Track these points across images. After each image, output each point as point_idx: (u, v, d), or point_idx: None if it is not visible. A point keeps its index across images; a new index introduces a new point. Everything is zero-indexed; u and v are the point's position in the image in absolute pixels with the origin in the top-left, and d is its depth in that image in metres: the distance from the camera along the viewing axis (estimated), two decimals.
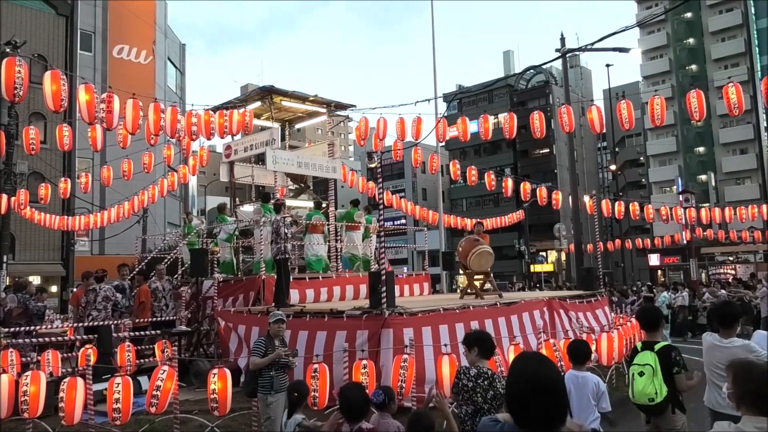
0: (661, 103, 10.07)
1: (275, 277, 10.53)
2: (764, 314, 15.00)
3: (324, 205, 14.16)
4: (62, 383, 6.83)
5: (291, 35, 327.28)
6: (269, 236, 11.32)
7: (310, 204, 15.09)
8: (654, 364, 4.55)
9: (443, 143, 21.61)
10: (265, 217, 11.75)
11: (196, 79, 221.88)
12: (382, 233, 9.35)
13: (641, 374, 4.55)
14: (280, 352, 6.02)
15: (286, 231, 10.32)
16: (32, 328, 10.91)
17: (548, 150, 51.48)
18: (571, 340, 9.22)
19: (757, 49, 43.96)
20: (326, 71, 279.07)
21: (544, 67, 43.00)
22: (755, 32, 44.34)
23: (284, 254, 10.22)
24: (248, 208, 15.04)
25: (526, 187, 19.52)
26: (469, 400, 4.06)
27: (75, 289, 16.29)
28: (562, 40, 19.36)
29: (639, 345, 4.86)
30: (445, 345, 7.92)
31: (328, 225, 13.71)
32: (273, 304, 10.24)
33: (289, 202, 14.24)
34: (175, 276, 13.38)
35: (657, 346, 4.68)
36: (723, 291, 19.24)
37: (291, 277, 11.04)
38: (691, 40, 49.50)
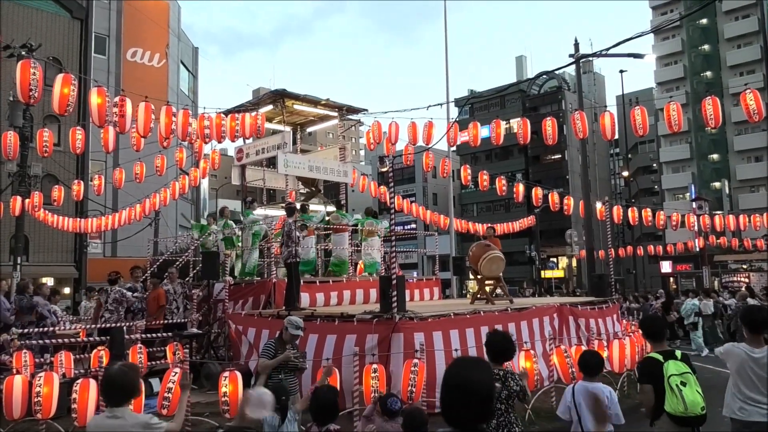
0: (678, 109, 10.06)
1: (286, 280, 10.55)
2: None
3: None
4: (75, 384, 6.89)
5: (305, 40, 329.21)
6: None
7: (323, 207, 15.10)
8: (691, 372, 4.39)
9: (454, 148, 21.58)
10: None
11: (209, 83, 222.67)
12: (393, 237, 9.32)
13: (684, 384, 4.31)
14: (289, 354, 6.01)
15: (297, 234, 10.33)
16: (26, 330, 10.20)
17: (560, 156, 51.27)
18: (583, 349, 9.17)
19: None
20: (339, 75, 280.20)
21: (557, 72, 42.99)
22: None
23: (295, 258, 10.22)
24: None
25: (537, 192, 19.44)
26: None
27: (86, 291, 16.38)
28: (576, 45, 19.27)
29: (657, 355, 4.51)
30: (456, 350, 7.89)
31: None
32: (284, 307, 10.25)
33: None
34: (186, 279, 13.43)
35: (679, 354, 4.52)
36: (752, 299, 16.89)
37: (301, 281, 11.06)
38: (706, 47, 49.14)
